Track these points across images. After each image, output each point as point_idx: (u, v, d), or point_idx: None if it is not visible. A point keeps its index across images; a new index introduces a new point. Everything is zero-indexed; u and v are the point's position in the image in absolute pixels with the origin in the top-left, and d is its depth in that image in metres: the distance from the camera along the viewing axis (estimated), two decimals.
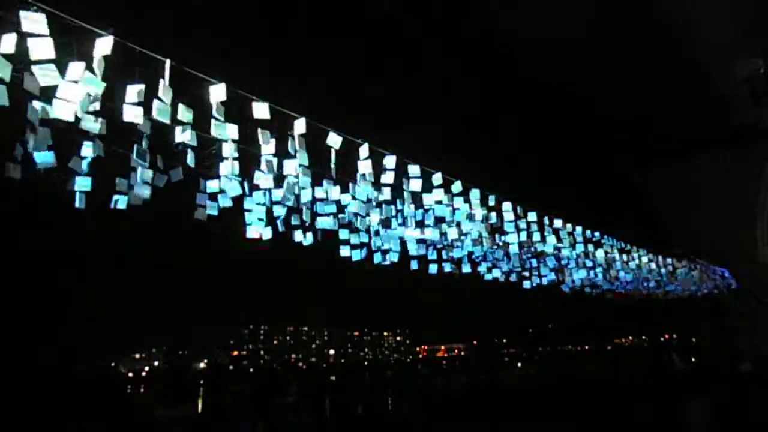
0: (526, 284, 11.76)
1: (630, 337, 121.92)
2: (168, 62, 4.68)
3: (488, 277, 10.70)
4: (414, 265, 8.56)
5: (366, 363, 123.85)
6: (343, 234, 7.40)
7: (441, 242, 8.76)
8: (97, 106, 4.36)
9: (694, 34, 14.02)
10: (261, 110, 5.44)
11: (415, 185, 7.33)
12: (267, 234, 6.36)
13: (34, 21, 3.79)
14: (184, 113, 4.85)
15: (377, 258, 7.98)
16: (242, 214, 6.15)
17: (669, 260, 17.04)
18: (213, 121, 5.06)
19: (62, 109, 4.12)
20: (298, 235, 6.81)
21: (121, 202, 4.94)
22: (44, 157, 4.30)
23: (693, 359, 27.31)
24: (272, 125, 5.64)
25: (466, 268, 9.61)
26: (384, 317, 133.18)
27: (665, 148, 21.50)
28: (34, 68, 3.93)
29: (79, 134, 4.44)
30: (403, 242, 8.21)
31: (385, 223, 7.51)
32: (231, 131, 5.25)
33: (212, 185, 5.70)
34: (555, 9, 13.21)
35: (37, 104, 4.15)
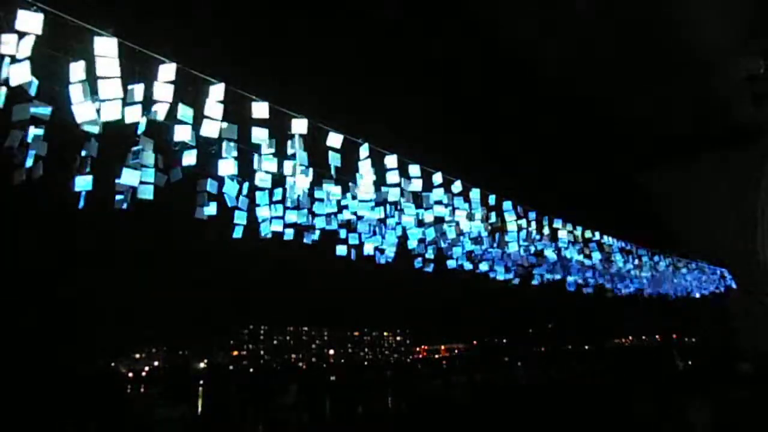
0: (527, 283, 11.75)
1: (630, 337, 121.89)
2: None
3: (489, 275, 10.70)
4: (415, 264, 8.57)
5: (366, 363, 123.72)
6: (342, 233, 7.41)
7: (441, 242, 8.75)
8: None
9: (694, 34, 14.02)
10: (261, 110, 5.44)
11: (416, 185, 7.32)
12: (264, 232, 6.35)
13: (30, 20, 3.80)
14: (185, 113, 4.84)
15: (376, 257, 7.98)
16: (241, 214, 6.13)
17: (669, 260, 17.03)
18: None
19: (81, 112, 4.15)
20: (297, 235, 6.81)
21: (123, 202, 4.94)
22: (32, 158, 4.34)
23: (693, 359, 27.29)
24: (272, 125, 5.63)
25: (466, 267, 9.62)
26: (384, 317, 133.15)
27: (666, 148, 21.49)
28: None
29: (78, 135, 4.44)
30: (403, 242, 8.20)
31: (385, 223, 7.51)
32: (231, 131, 5.25)
33: (212, 184, 5.69)
34: (555, 10, 13.22)
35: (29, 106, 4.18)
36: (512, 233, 9.36)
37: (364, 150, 6.63)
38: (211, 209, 5.82)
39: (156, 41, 4.58)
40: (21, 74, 3.90)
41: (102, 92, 4.17)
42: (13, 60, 3.88)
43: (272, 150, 5.74)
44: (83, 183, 4.66)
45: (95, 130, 4.38)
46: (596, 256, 12.75)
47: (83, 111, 4.16)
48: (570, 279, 13.23)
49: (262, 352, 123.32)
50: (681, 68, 15.56)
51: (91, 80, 4.19)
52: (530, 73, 16.00)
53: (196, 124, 4.96)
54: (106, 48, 4.18)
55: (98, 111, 4.25)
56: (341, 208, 7.03)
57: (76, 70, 4.18)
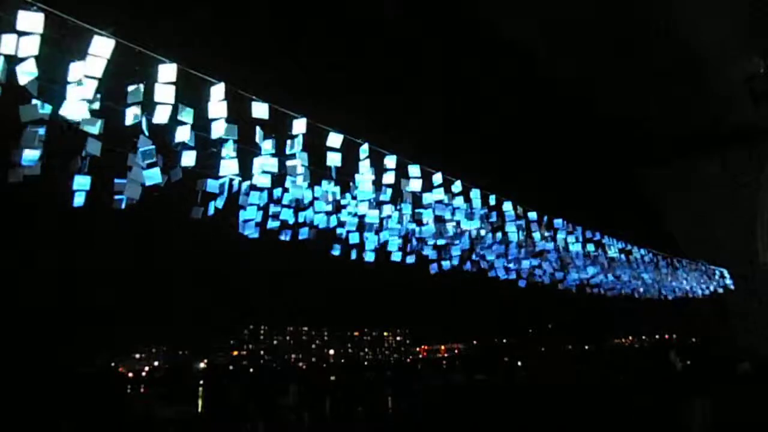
0: (524, 283, 11.74)
1: (630, 337, 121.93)
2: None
3: (489, 275, 10.70)
4: (413, 262, 8.56)
5: (366, 363, 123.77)
6: (341, 233, 7.40)
7: (440, 241, 8.75)
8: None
9: (694, 34, 14.03)
10: (261, 110, 5.43)
11: (415, 185, 7.30)
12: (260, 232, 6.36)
13: (30, 20, 3.79)
14: (185, 113, 4.84)
15: (373, 256, 7.96)
16: (240, 213, 6.13)
17: (668, 260, 17.02)
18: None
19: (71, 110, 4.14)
20: (296, 234, 6.81)
21: (121, 201, 4.93)
22: (30, 159, 4.31)
23: (692, 359, 27.25)
24: (272, 125, 5.62)
25: (466, 267, 9.62)
26: (384, 317, 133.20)
27: (665, 148, 21.50)
28: (18, 67, 3.88)
29: (77, 134, 4.43)
30: (402, 242, 8.19)
31: (384, 222, 7.50)
32: (231, 131, 5.25)
33: (211, 184, 5.69)
34: (554, 8, 13.22)
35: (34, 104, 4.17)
36: (512, 233, 9.35)
37: (363, 150, 6.61)
38: (209, 209, 5.82)
39: (156, 41, 4.57)
40: (27, 73, 3.90)
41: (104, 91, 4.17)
42: (20, 60, 3.87)
43: (272, 149, 5.73)
44: (82, 182, 4.66)
45: (95, 130, 4.37)
46: (595, 255, 12.74)
47: (78, 110, 4.15)
48: (570, 279, 13.22)
49: (262, 352, 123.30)
50: (681, 68, 15.57)
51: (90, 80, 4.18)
52: (530, 73, 16.00)
53: (197, 125, 4.95)
54: (103, 47, 4.17)
55: (98, 111, 4.25)
56: (340, 207, 7.03)
57: (75, 69, 4.18)
